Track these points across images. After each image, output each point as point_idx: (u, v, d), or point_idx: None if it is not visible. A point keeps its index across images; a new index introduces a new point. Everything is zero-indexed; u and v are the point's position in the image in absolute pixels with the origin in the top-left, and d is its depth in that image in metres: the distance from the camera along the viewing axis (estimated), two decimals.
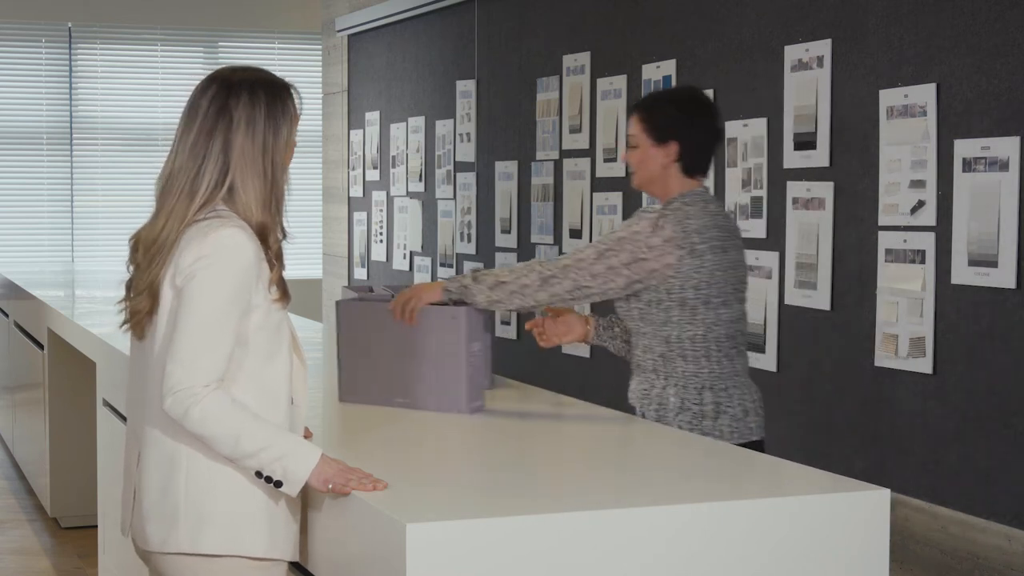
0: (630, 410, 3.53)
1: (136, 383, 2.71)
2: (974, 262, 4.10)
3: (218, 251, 2.50)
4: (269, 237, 2.60)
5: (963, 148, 4.14)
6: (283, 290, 2.62)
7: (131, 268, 2.68)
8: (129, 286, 2.67)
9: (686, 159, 3.47)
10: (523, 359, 6.64)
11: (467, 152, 7.35)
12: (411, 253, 8.10)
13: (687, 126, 3.47)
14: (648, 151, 3.47)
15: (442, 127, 7.65)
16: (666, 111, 3.49)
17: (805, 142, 4.80)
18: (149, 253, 2.59)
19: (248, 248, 2.53)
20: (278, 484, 2.51)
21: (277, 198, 2.62)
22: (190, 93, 2.68)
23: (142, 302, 2.60)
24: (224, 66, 2.71)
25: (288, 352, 2.64)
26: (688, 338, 3.39)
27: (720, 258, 3.40)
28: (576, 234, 6.25)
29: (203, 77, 2.69)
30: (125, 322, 2.68)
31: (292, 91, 2.67)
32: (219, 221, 2.54)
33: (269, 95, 2.62)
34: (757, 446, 3.44)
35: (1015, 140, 3.96)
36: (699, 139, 3.49)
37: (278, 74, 2.72)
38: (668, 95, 3.61)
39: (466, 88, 7.34)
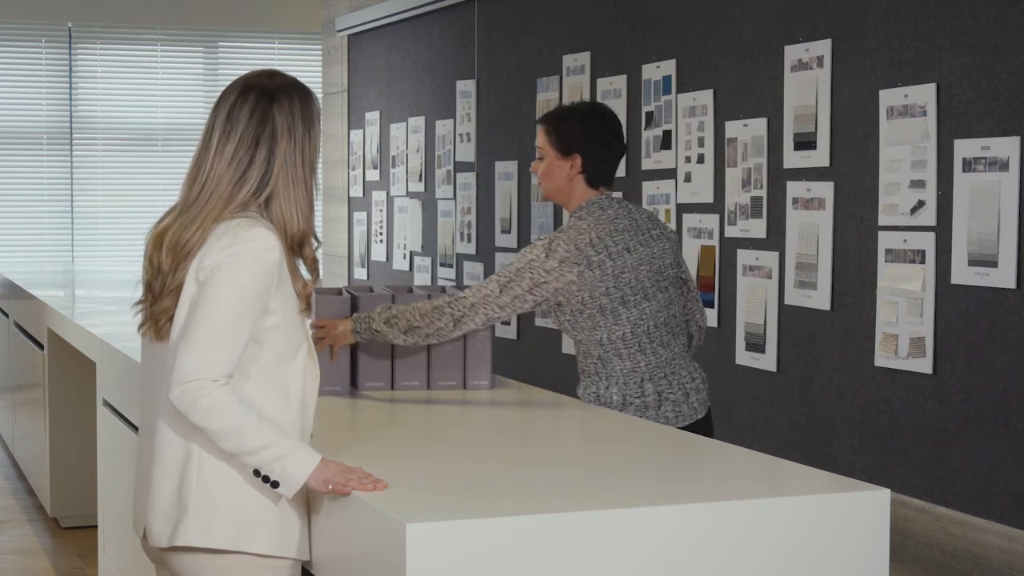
0: None
1: (151, 382, 2.71)
2: (974, 262, 4.10)
3: (247, 249, 2.51)
4: (305, 246, 2.63)
5: (963, 148, 4.14)
6: (308, 302, 2.64)
7: (149, 268, 2.67)
8: (149, 287, 2.66)
9: (589, 171, 3.64)
10: (523, 359, 6.64)
11: (467, 152, 7.35)
12: (411, 253, 8.10)
13: (590, 139, 3.64)
14: (554, 163, 3.66)
15: (442, 127, 7.65)
16: (571, 125, 3.65)
17: (805, 142, 4.80)
18: (177, 257, 2.59)
19: (276, 250, 2.55)
20: (275, 484, 2.52)
21: (311, 203, 2.66)
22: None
23: (168, 303, 2.59)
24: (254, 72, 2.71)
25: (302, 355, 2.65)
26: (618, 337, 3.56)
27: (626, 259, 3.55)
28: None
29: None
30: (144, 324, 2.67)
31: (313, 94, 2.72)
32: (249, 220, 2.56)
33: (302, 100, 2.66)
34: (704, 423, 3.65)
35: (1015, 140, 3.96)
36: (602, 152, 3.65)
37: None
38: (573, 109, 3.73)
39: (466, 88, 7.34)
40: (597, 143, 3.65)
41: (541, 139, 3.69)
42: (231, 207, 2.58)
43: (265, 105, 2.62)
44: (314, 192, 2.68)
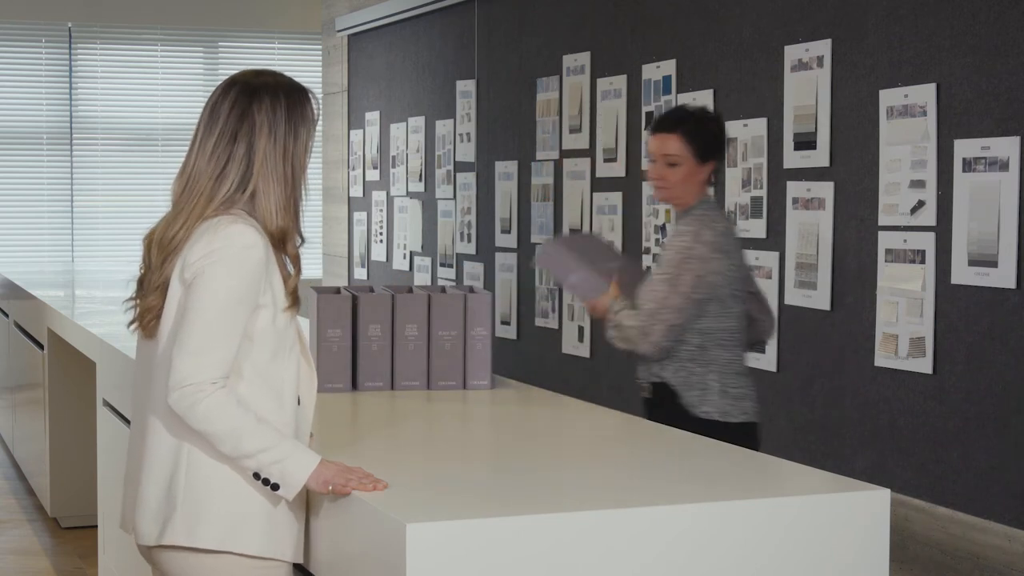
0: (638, 389, 3.82)
1: (142, 381, 2.71)
2: (974, 262, 4.10)
3: (228, 247, 2.51)
4: (288, 243, 2.62)
5: (963, 148, 4.14)
6: (295, 298, 2.63)
7: (143, 265, 2.68)
8: (140, 284, 2.67)
9: (715, 175, 3.76)
10: (523, 359, 6.64)
11: (467, 152, 7.35)
12: (411, 253, 8.10)
13: (722, 144, 3.75)
14: (694, 169, 3.67)
15: (442, 127, 7.65)
16: (710, 130, 3.70)
17: (805, 142, 4.80)
18: (163, 253, 2.60)
19: (259, 246, 2.54)
20: (275, 487, 2.51)
21: (296, 203, 2.64)
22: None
23: (153, 300, 2.61)
24: (243, 70, 2.71)
25: (294, 353, 2.65)
26: (724, 329, 3.67)
27: (739, 257, 3.72)
28: (576, 234, 6.24)
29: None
30: (134, 321, 2.68)
31: (310, 95, 2.69)
32: (230, 218, 2.55)
33: (290, 99, 2.63)
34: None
35: (1015, 140, 3.96)
36: (723, 155, 3.82)
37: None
38: (702, 115, 3.75)
39: (466, 88, 7.34)
40: (724, 147, 3.80)
41: (676, 147, 3.67)
42: (214, 204, 2.58)
43: (245, 101, 2.61)
44: (301, 190, 2.65)
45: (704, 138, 3.68)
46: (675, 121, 3.70)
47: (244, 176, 2.59)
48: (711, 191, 3.77)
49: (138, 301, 2.67)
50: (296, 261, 2.66)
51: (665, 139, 3.68)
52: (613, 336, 3.72)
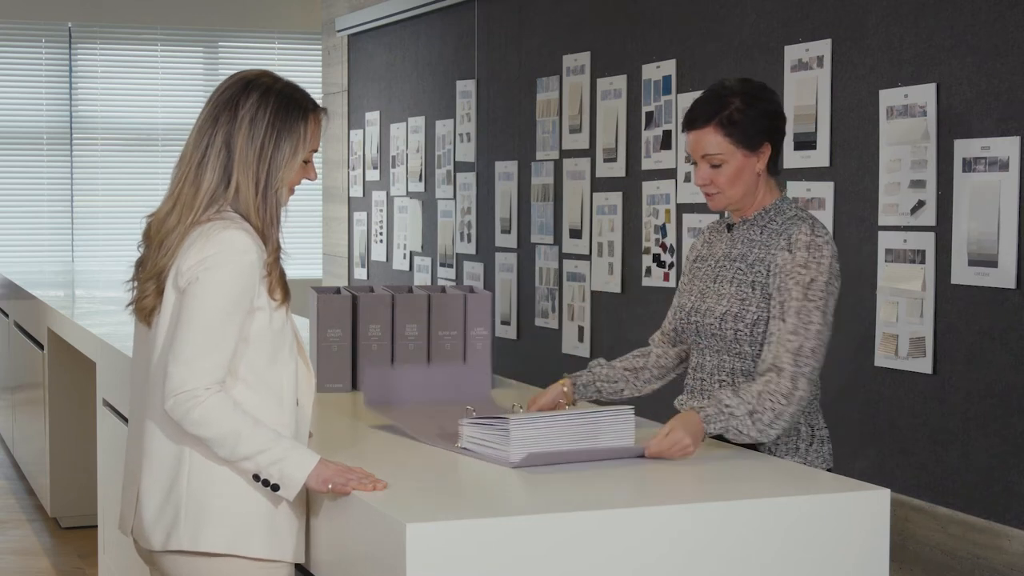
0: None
1: (139, 378, 2.71)
2: (974, 262, 4.10)
3: (221, 253, 2.51)
4: (266, 244, 2.59)
5: (963, 148, 4.14)
6: (284, 293, 2.62)
7: (142, 247, 2.68)
8: (139, 264, 2.67)
9: (776, 157, 3.11)
10: (523, 359, 6.64)
11: (467, 152, 7.35)
12: (411, 253, 8.10)
13: (775, 118, 3.08)
14: (743, 164, 3.04)
15: (442, 127, 7.65)
16: (751, 111, 3.04)
17: (805, 142, 4.80)
18: (159, 237, 2.60)
19: (251, 251, 2.53)
20: (275, 488, 2.51)
21: (269, 211, 2.60)
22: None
23: (148, 292, 2.60)
24: (263, 70, 2.68)
25: (291, 354, 2.64)
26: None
27: None
28: (576, 234, 6.25)
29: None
30: (132, 303, 2.68)
31: (310, 116, 2.63)
32: (222, 223, 2.55)
33: (280, 105, 2.60)
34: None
35: (1015, 140, 3.96)
36: (783, 129, 3.11)
37: (290, 81, 2.68)
38: (743, 91, 3.06)
39: (466, 88, 7.34)
40: (781, 120, 3.08)
41: (714, 142, 3.02)
42: (201, 195, 2.57)
43: (236, 92, 2.60)
44: (275, 201, 2.60)
45: (748, 119, 3.02)
46: (709, 111, 3.04)
47: (225, 168, 2.58)
48: (775, 181, 3.15)
49: (136, 283, 2.67)
50: (273, 264, 2.60)
51: (700, 136, 3.04)
52: (779, 428, 2.92)
